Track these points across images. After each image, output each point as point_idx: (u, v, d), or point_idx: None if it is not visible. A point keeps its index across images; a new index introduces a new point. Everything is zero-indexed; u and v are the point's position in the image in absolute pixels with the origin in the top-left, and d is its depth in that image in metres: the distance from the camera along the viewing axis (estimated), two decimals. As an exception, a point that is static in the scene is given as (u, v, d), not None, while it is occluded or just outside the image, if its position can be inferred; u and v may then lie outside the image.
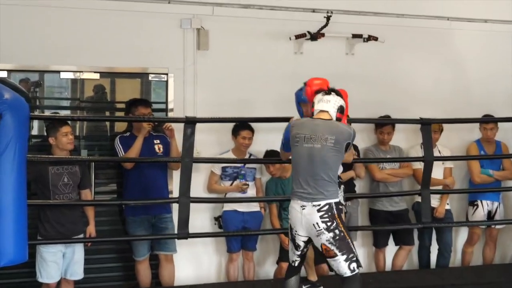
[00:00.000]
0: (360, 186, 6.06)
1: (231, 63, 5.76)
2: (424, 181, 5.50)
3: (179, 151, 5.16)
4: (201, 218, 5.67)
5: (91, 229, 5.09)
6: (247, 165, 5.62)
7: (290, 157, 4.35)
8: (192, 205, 5.06)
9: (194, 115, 5.33)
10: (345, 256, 4.01)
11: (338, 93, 4.26)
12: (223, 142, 5.68)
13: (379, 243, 6.02)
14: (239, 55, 5.78)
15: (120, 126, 5.63)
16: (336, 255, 4.01)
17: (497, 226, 6.27)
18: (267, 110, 5.61)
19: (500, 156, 6.19)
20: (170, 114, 5.65)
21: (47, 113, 5.59)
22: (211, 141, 5.63)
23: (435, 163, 5.59)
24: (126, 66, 5.57)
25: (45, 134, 5.06)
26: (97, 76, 5.56)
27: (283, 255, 5.50)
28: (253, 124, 5.57)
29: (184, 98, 5.63)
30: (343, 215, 4.24)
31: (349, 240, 4.06)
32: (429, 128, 5.42)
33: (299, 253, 4.25)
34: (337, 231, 4.01)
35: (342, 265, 4.02)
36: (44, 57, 5.31)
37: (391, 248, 6.04)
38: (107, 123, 5.79)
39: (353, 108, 5.65)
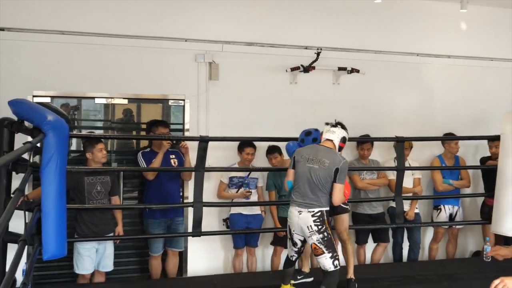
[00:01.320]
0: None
1: (237, 91, 5.66)
2: (397, 189, 5.49)
3: (192, 165, 5.11)
4: (211, 219, 5.56)
5: (120, 229, 4.99)
6: (250, 176, 5.50)
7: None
8: (204, 209, 4.99)
9: (206, 134, 5.24)
10: (330, 254, 4.15)
11: (343, 126, 4.43)
12: (230, 157, 5.56)
13: (360, 241, 5.91)
14: (244, 85, 5.68)
15: (144, 143, 5.52)
16: (323, 253, 4.13)
17: (457, 226, 6.17)
18: (267, 130, 5.53)
19: (460, 168, 6.11)
20: (187, 134, 5.55)
21: (84, 132, 5.49)
22: (220, 156, 5.50)
23: (406, 174, 5.55)
24: (150, 93, 5.47)
25: (82, 149, 4.96)
26: (125, 101, 5.46)
27: (276, 239, 5.56)
28: (255, 142, 5.46)
29: (198, 120, 5.54)
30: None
31: (334, 242, 4.21)
32: (403, 144, 5.44)
33: (296, 249, 4.36)
34: (325, 233, 4.15)
35: (328, 261, 4.14)
36: (81, 86, 5.23)
37: (370, 245, 5.93)
38: (134, 141, 5.69)
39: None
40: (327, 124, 4.46)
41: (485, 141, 6.06)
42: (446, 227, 6.15)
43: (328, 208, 4.22)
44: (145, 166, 5.11)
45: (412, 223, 5.85)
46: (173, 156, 5.26)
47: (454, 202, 6.08)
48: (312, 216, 4.13)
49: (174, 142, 5.24)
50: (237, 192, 5.47)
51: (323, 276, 4.19)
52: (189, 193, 5.39)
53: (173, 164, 5.22)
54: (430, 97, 6.36)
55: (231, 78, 5.63)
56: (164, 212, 5.18)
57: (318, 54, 5.73)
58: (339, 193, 4.18)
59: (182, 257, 5.54)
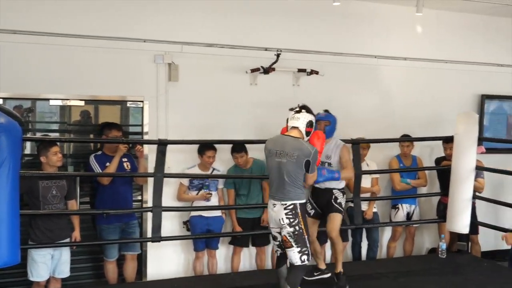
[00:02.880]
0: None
1: (197, 93, 5.59)
2: (355, 191, 5.55)
3: (146, 168, 5.07)
4: (171, 221, 5.48)
5: (77, 234, 4.84)
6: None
7: None
8: (164, 213, 4.93)
9: (166, 137, 5.17)
10: (299, 249, 4.05)
11: (308, 109, 4.24)
12: (190, 159, 5.49)
13: (321, 240, 5.93)
14: (204, 86, 5.61)
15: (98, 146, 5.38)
16: (292, 246, 4.05)
17: (414, 225, 6.29)
18: (227, 132, 5.53)
19: (416, 169, 6.20)
20: (145, 136, 5.44)
21: (39, 135, 5.31)
22: (180, 159, 5.44)
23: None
24: (108, 95, 5.32)
25: (37, 153, 4.78)
26: (82, 103, 5.30)
27: (234, 238, 5.58)
28: (216, 144, 5.41)
29: (157, 122, 5.44)
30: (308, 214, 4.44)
31: (305, 236, 4.09)
32: (358, 147, 5.48)
33: (277, 243, 4.25)
34: (297, 227, 4.05)
35: (295, 255, 4.06)
36: (36, 87, 5.05)
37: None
38: (92, 144, 5.53)
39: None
40: (291, 109, 4.28)
41: (439, 142, 6.15)
42: (404, 226, 6.25)
43: (303, 201, 4.10)
44: (99, 170, 4.97)
45: (370, 222, 5.92)
46: (126, 160, 5.13)
47: (411, 201, 6.20)
48: (285, 209, 4.04)
49: (131, 145, 5.14)
50: (197, 194, 5.40)
51: (289, 269, 4.14)
52: (148, 196, 5.29)
53: (126, 168, 5.11)
54: (388, 99, 6.44)
55: (191, 79, 5.55)
56: (119, 217, 5.07)
57: (278, 55, 5.72)
58: (312, 179, 4.19)
59: (141, 261, 5.44)
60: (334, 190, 4.68)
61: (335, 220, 4.65)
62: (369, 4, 6.23)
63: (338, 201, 4.68)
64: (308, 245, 4.10)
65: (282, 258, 4.29)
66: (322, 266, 4.92)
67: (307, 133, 4.19)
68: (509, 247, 6.24)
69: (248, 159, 5.49)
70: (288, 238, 4.04)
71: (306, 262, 4.09)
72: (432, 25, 6.52)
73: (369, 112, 6.29)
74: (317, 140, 4.25)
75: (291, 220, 4.04)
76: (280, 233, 4.16)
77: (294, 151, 4.04)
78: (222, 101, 5.69)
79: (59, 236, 4.69)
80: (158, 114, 5.46)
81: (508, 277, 5.39)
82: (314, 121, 4.22)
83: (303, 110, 4.21)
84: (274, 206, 4.10)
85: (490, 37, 6.84)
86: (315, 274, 4.85)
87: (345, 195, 4.76)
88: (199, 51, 5.53)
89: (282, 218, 4.05)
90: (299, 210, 4.07)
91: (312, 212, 4.75)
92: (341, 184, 4.74)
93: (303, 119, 4.17)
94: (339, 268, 4.75)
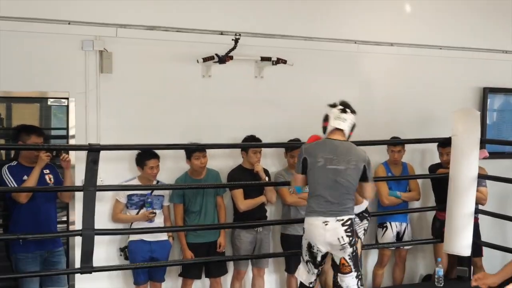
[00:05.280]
0: (271, 211, 6.10)
1: (137, 87, 5.65)
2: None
3: (73, 181, 5.11)
4: (106, 249, 5.53)
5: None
6: (154, 192, 5.54)
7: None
8: (97, 237, 4.92)
9: (97, 142, 5.20)
10: (356, 273, 4.35)
11: (352, 110, 4.53)
12: (129, 169, 5.57)
13: (291, 268, 6.03)
14: (145, 79, 5.69)
15: (11, 153, 5.37)
16: (351, 271, 4.30)
17: (406, 247, 6.49)
18: (175, 135, 5.60)
19: (408, 177, 6.42)
20: (72, 141, 5.46)
21: None
22: (116, 169, 5.50)
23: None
24: (24, 90, 5.33)
25: None
26: (-10, 101, 5.32)
27: (185, 269, 5.64)
28: (160, 151, 5.49)
29: (87, 124, 5.47)
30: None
31: (360, 259, 4.39)
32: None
33: (317, 271, 4.47)
34: (355, 248, 4.34)
35: (353, 281, 4.32)
36: None
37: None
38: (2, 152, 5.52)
39: (263, 132, 5.82)
40: (332, 106, 4.50)
41: (433, 146, 6.42)
42: (393, 248, 6.44)
43: (354, 216, 4.39)
44: (14, 184, 4.97)
45: (352, 244, 6.07)
46: (48, 171, 5.15)
47: (401, 218, 6.41)
48: (343, 225, 4.23)
49: (54, 153, 5.14)
50: (137, 213, 5.47)
51: None
52: (76, 216, 5.32)
53: (49, 181, 5.14)
54: (371, 93, 6.66)
55: (128, 70, 5.62)
56: (40, 243, 5.05)
57: (236, 41, 5.82)
58: (371, 191, 4.48)
59: (68, 299, 5.46)
60: None
61: None
62: (348, -22, 6.43)
63: None
64: (360, 269, 4.37)
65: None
66: None
67: (348, 137, 4.52)
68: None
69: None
70: (348, 261, 4.26)
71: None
72: (424, 4, 6.77)
73: (348, 109, 6.44)
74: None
75: (351, 238, 4.27)
76: (324, 255, 4.32)
77: (351, 156, 4.35)
78: (167, 97, 5.78)
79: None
80: (87, 113, 5.49)
81: (518, 307, 5.60)
82: (355, 125, 4.57)
83: (348, 110, 4.46)
84: (326, 224, 4.26)
85: (493, 19, 7.12)
86: None
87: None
88: (137, 35, 5.59)
89: (342, 237, 4.23)
90: (354, 227, 4.35)
91: None
92: None
93: (349, 121, 4.46)
94: None
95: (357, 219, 4.78)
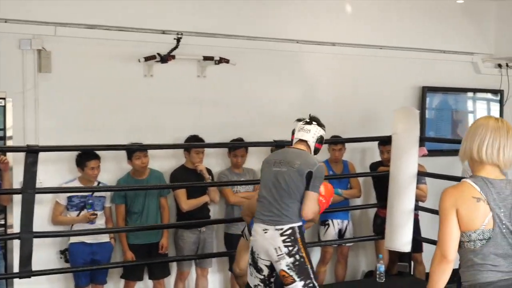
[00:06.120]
0: (214, 211, 6.10)
1: (77, 87, 5.57)
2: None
3: (12, 184, 5.02)
4: (46, 252, 5.43)
5: None
6: (96, 194, 5.48)
7: None
8: (36, 240, 4.85)
9: (36, 143, 5.12)
10: (303, 282, 4.13)
11: (319, 122, 4.50)
12: (69, 170, 5.50)
13: (235, 268, 6.08)
14: (85, 78, 5.61)
15: None
16: (294, 281, 4.11)
17: (347, 244, 6.60)
18: (117, 136, 5.55)
19: (349, 175, 6.53)
20: (9, 143, 5.31)
21: None
22: (55, 170, 5.43)
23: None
24: (-43, 90, 5.20)
25: None
26: None
27: (127, 271, 5.62)
28: (100, 152, 5.44)
29: (25, 125, 5.36)
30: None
31: (309, 265, 4.19)
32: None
33: (261, 277, 4.30)
34: (297, 256, 4.14)
35: None
36: None
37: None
38: None
39: (207, 132, 5.82)
40: (299, 120, 4.52)
41: (374, 144, 6.54)
42: (335, 246, 6.53)
43: (301, 224, 4.21)
44: None
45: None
46: None
47: (343, 215, 6.50)
48: (281, 235, 4.12)
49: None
50: (78, 215, 5.41)
51: None
52: (14, 220, 5.21)
53: None
54: (314, 92, 6.74)
55: (68, 70, 5.54)
56: (-24, 249, 4.96)
57: (178, 40, 5.80)
58: (313, 203, 4.17)
59: (6, 304, 5.35)
60: None
61: None
62: (290, -21, 6.48)
63: None
64: (312, 276, 4.19)
65: None
66: None
67: (316, 150, 4.47)
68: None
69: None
70: (288, 272, 4.10)
71: None
72: (366, 4, 6.86)
73: (292, 109, 6.43)
74: (324, 190, 4.40)
75: (290, 248, 4.12)
76: (269, 265, 4.22)
77: (297, 159, 4.24)
78: (108, 97, 5.71)
79: None
80: (25, 114, 5.39)
81: (456, 301, 5.76)
82: (324, 137, 4.52)
83: (314, 122, 4.47)
84: (266, 232, 4.18)
85: (433, 19, 7.26)
86: None
87: None
88: (77, 34, 5.52)
89: (279, 247, 4.12)
90: (298, 235, 4.18)
91: None
92: None
93: (314, 132, 4.44)
94: None
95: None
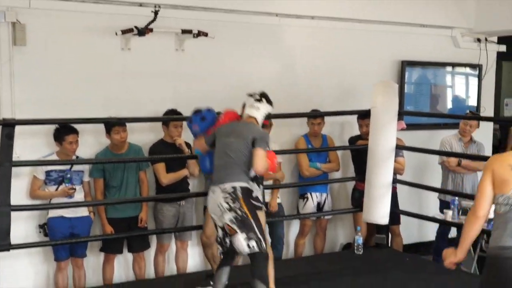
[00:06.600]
0: (194, 184, 6.13)
1: (53, 60, 5.53)
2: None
3: None
4: (25, 227, 5.44)
5: None
6: (74, 168, 5.47)
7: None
8: (14, 214, 4.87)
9: (12, 117, 5.09)
10: (244, 235, 4.38)
11: (269, 99, 4.80)
12: (47, 144, 5.47)
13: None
14: (61, 51, 5.56)
15: None
16: (236, 232, 4.38)
17: (326, 217, 6.67)
18: (94, 109, 5.54)
19: (327, 149, 6.58)
20: (-15, 116, 5.31)
21: None
22: (32, 145, 5.40)
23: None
24: None
25: None
26: None
27: (106, 244, 5.69)
28: (78, 126, 5.40)
29: (0, 98, 5.32)
30: (255, 202, 4.65)
31: (252, 221, 4.43)
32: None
33: (218, 239, 4.59)
34: (238, 212, 4.42)
35: (240, 242, 4.38)
36: None
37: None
38: None
39: (185, 106, 5.79)
40: (250, 96, 4.78)
41: (353, 118, 6.58)
42: (314, 218, 6.60)
43: (245, 185, 4.51)
44: None
45: (274, 216, 6.17)
46: None
47: (322, 189, 6.58)
48: (222, 191, 4.44)
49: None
50: (56, 190, 5.40)
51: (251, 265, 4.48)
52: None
53: None
54: (293, 66, 6.75)
55: (43, 42, 5.49)
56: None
57: (156, 13, 5.75)
58: (261, 159, 4.46)
59: (-15, 278, 5.36)
60: None
61: None
62: (269, -50, 6.44)
63: None
64: (256, 230, 4.42)
65: (222, 259, 4.65)
66: None
67: (263, 126, 4.88)
68: (433, 238, 6.78)
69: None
70: (231, 225, 4.40)
71: (257, 250, 4.39)
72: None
73: (271, 82, 6.44)
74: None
75: (230, 204, 4.42)
76: (222, 228, 4.49)
77: (243, 130, 4.61)
78: (85, 70, 5.67)
79: None
80: (1, 87, 5.34)
81: (432, 272, 5.89)
82: (271, 113, 4.88)
83: (263, 100, 4.76)
84: (213, 193, 4.52)
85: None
86: (212, 283, 4.96)
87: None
88: (52, 6, 5.46)
89: (221, 203, 4.44)
90: (240, 194, 4.46)
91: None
92: None
93: (263, 110, 4.75)
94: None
95: (255, 186, 4.85)
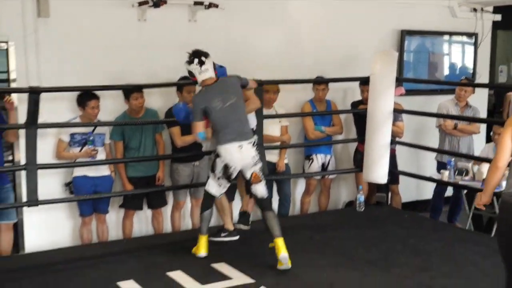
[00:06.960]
0: (207, 147, 6.36)
1: (74, 31, 5.77)
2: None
3: (17, 122, 5.30)
4: (51, 185, 5.75)
5: None
6: (96, 131, 5.76)
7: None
8: (41, 172, 5.20)
9: (38, 85, 5.31)
10: (264, 181, 5.14)
11: (206, 54, 5.11)
12: (71, 110, 5.76)
13: (228, 196, 6.30)
14: (82, 22, 5.80)
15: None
16: (261, 181, 5.08)
17: (330, 176, 6.95)
18: (112, 77, 5.79)
19: (331, 112, 6.84)
20: (13, 85, 5.59)
21: None
22: (57, 110, 5.68)
23: (273, 122, 6.25)
24: (-39, 35, 5.39)
25: None
26: None
27: (126, 201, 6.00)
28: (99, 92, 5.68)
29: (27, 68, 5.56)
30: None
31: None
32: (261, 89, 5.95)
33: (228, 184, 5.19)
34: (259, 162, 5.11)
35: (263, 188, 5.10)
36: None
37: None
38: None
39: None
40: (189, 62, 5.02)
41: (355, 85, 6.86)
42: (319, 177, 6.90)
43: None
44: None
45: (282, 175, 6.51)
46: None
47: (326, 150, 6.85)
48: (253, 145, 5.03)
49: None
50: (80, 151, 5.70)
51: (261, 207, 5.12)
52: (21, 155, 5.54)
53: None
54: (299, 36, 6.99)
55: (65, 14, 5.72)
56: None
57: (170, -15, 5.97)
58: (255, 99, 5.38)
59: (18, 231, 5.69)
60: None
61: None
62: None
63: None
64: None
65: (211, 202, 5.26)
66: (230, 227, 5.46)
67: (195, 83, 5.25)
68: (430, 197, 7.10)
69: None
70: (259, 173, 5.04)
71: (268, 195, 5.24)
72: None
73: (277, 52, 6.80)
74: None
75: (257, 156, 5.05)
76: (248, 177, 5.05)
77: (232, 88, 5.09)
78: (104, 40, 5.92)
79: None
80: (27, 57, 5.58)
81: (429, 229, 6.22)
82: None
83: (203, 58, 5.05)
84: (241, 148, 4.96)
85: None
86: (222, 235, 5.40)
87: None
88: (73, -22, 5.68)
89: (254, 156, 5.01)
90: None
91: None
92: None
93: (209, 64, 5.08)
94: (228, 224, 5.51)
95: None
